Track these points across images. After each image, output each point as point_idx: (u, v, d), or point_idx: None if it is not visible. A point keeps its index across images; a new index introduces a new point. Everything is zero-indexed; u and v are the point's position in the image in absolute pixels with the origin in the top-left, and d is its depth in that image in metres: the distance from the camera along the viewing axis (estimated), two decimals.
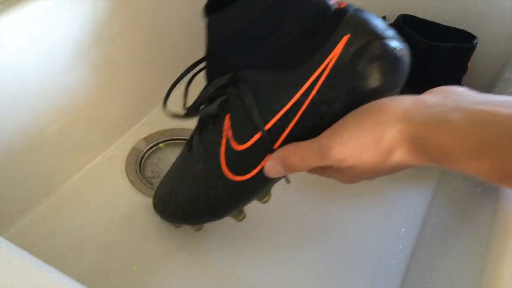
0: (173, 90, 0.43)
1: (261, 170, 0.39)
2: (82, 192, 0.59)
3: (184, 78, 0.43)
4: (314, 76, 0.35)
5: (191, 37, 0.74)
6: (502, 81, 0.60)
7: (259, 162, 0.39)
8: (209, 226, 0.56)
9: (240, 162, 0.40)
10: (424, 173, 0.62)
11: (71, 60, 0.55)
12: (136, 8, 0.62)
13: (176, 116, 0.42)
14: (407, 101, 0.34)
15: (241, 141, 0.39)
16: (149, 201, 0.58)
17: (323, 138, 0.36)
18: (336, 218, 0.58)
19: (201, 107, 0.41)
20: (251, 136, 0.38)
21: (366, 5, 0.66)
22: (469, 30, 0.60)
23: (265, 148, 0.38)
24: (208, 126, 0.42)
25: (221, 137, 0.40)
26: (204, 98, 0.40)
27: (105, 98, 0.62)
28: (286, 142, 0.38)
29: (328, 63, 0.35)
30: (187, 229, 0.56)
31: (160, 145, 0.66)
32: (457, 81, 0.61)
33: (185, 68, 0.42)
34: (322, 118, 0.37)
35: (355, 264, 0.53)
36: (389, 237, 0.56)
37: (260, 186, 0.42)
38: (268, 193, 0.45)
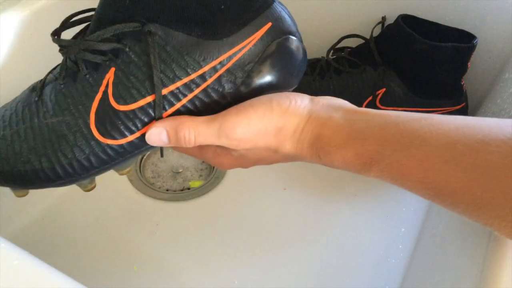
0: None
1: (140, 137, 0.36)
2: (82, 192, 0.59)
3: None
4: (230, 52, 0.34)
5: None
6: (502, 81, 0.60)
7: (140, 128, 0.35)
8: (209, 225, 0.56)
9: (117, 123, 0.35)
10: None
11: None
12: None
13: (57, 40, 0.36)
14: (308, 100, 0.36)
15: (124, 101, 0.34)
16: (149, 201, 0.58)
17: (227, 116, 0.34)
18: (336, 218, 0.58)
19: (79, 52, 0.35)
20: (141, 98, 0.34)
21: (366, 5, 0.66)
22: (469, 30, 0.60)
23: (154, 114, 0.35)
24: (77, 75, 0.36)
25: (95, 92, 0.35)
26: (95, 39, 0.34)
27: None
28: (177, 114, 0.36)
29: (247, 44, 0.34)
30: (188, 229, 0.56)
31: None
32: (457, 81, 0.61)
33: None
34: (224, 98, 0.35)
35: (355, 264, 0.53)
36: (389, 237, 0.56)
37: (128, 156, 0.37)
38: (93, 181, 0.39)
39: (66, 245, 0.53)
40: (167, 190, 0.61)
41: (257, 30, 0.35)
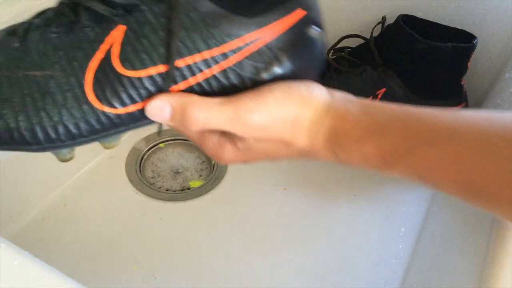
0: None
1: (142, 109, 0.32)
2: (82, 192, 0.59)
3: None
4: (259, 33, 0.31)
5: None
6: (502, 81, 0.60)
7: (144, 99, 0.31)
8: (209, 225, 0.56)
9: (119, 90, 0.30)
10: None
11: None
12: None
13: None
14: (326, 91, 0.34)
15: (131, 66, 0.30)
16: (149, 201, 0.58)
17: (243, 99, 0.31)
18: (336, 218, 0.58)
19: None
20: (151, 65, 0.30)
21: (366, 5, 0.66)
22: (469, 30, 0.60)
23: (162, 85, 0.31)
24: (74, 25, 0.31)
25: (94, 50, 0.30)
26: None
27: None
28: (188, 91, 0.32)
29: (278, 28, 0.32)
30: (188, 229, 0.56)
31: (160, 145, 0.66)
32: (457, 81, 0.61)
33: None
34: (243, 83, 0.32)
35: (355, 264, 0.53)
36: (389, 237, 0.56)
37: (122, 129, 0.33)
38: (72, 151, 0.34)
39: (66, 245, 0.53)
40: (167, 190, 0.61)
41: (289, 15, 0.32)
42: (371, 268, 0.52)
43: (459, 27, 0.61)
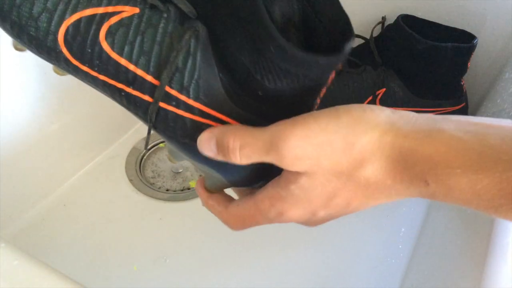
0: None
1: (95, 77, 0.31)
2: (82, 192, 0.59)
3: None
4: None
5: None
6: (502, 81, 0.60)
7: (104, 75, 0.31)
8: (209, 226, 0.56)
9: (85, 49, 0.29)
10: None
11: None
12: None
13: None
14: (388, 109, 0.28)
15: (118, 47, 0.29)
16: (149, 201, 0.58)
17: (280, 125, 0.27)
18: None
19: None
20: (129, 62, 0.29)
21: (366, 5, 0.66)
22: (469, 30, 0.60)
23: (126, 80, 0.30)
24: None
25: (102, 2, 0.29)
26: None
27: (105, 98, 0.62)
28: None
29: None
30: (188, 229, 0.56)
31: (160, 145, 0.66)
32: (457, 81, 0.61)
33: None
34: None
35: (355, 265, 0.53)
36: (389, 237, 0.56)
37: (68, 70, 0.32)
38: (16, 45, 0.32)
39: (66, 245, 0.53)
40: (167, 190, 0.61)
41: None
42: (371, 268, 0.52)
43: (459, 27, 0.61)
